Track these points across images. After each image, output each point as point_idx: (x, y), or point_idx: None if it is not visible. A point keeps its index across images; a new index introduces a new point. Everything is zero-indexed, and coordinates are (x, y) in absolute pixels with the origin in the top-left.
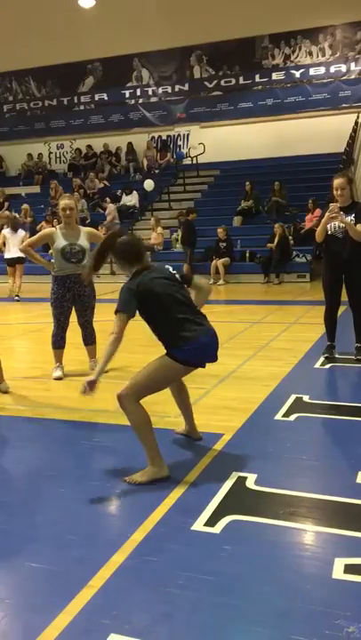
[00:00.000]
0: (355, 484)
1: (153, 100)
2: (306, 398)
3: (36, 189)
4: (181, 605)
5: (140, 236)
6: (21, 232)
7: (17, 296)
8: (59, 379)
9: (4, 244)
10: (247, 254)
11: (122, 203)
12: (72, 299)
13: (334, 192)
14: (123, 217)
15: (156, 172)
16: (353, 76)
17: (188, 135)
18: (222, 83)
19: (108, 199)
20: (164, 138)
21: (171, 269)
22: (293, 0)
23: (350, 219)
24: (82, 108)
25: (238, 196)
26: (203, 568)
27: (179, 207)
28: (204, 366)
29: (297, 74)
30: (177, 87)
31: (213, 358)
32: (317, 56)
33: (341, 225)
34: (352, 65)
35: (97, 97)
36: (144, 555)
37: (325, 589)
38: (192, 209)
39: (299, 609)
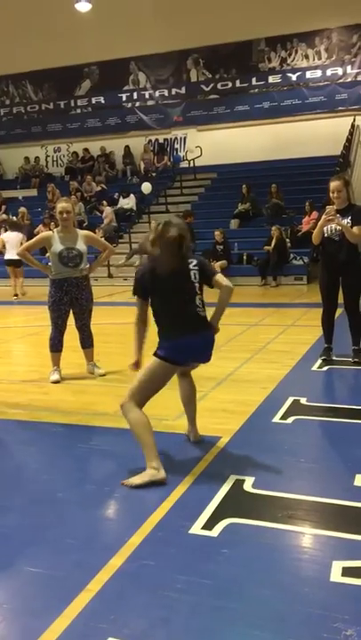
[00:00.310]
0: (352, 486)
1: (150, 103)
2: (303, 401)
3: (33, 193)
4: (179, 609)
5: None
6: (19, 234)
7: (15, 295)
8: (56, 382)
9: (4, 245)
10: (244, 257)
11: (119, 206)
12: (69, 302)
13: (331, 195)
14: (120, 220)
15: (154, 175)
16: (349, 79)
17: (185, 138)
18: (219, 86)
19: (105, 202)
20: (161, 141)
21: (193, 264)
22: (290, 3)
23: (347, 221)
24: (79, 111)
25: (235, 198)
26: (201, 571)
27: (176, 210)
28: (187, 365)
29: (293, 77)
30: (174, 90)
31: (201, 359)
32: (314, 59)
33: (338, 227)
34: (348, 68)
35: (94, 100)
36: (142, 558)
37: (323, 592)
38: (189, 212)
39: (297, 612)
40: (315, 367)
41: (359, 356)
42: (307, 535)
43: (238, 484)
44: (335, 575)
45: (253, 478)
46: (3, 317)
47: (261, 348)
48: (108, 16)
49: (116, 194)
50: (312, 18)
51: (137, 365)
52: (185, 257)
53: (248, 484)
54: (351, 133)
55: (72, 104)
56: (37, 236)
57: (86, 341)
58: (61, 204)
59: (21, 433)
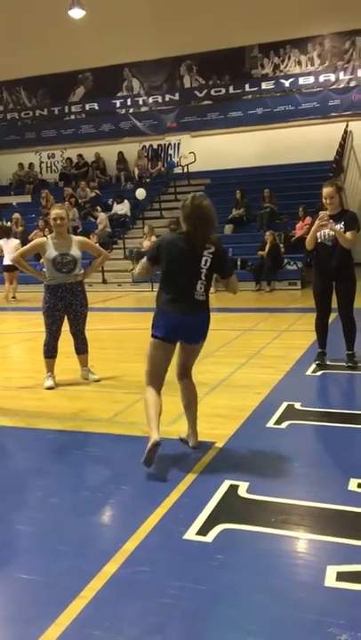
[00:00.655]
0: (347, 491)
1: (144, 109)
2: (298, 405)
3: (27, 199)
4: (174, 615)
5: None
6: (15, 240)
7: (13, 297)
8: (50, 388)
9: (1, 250)
10: (238, 262)
11: (113, 211)
12: (64, 308)
13: (324, 201)
14: (114, 226)
15: (148, 180)
16: (342, 85)
17: (178, 144)
18: (212, 92)
19: (99, 208)
20: (155, 147)
21: (209, 250)
22: (282, 10)
23: (340, 226)
24: (73, 117)
25: (229, 204)
26: (195, 577)
27: (170, 216)
28: (172, 342)
29: (286, 83)
30: (167, 97)
31: (187, 338)
32: (306, 65)
33: (331, 233)
34: (341, 74)
35: (88, 107)
36: (136, 565)
37: (318, 597)
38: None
39: (291, 617)
40: (309, 372)
41: (353, 361)
42: (301, 540)
43: (233, 490)
44: (330, 580)
45: (248, 483)
46: None
47: (256, 352)
48: (101, 23)
49: (111, 200)
50: (305, 24)
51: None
52: (205, 237)
53: (242, 489)
54: (344, 139)
55: (66, 110)
56: (31, 243)
57: (81, 347)
58: (55, 211)
59: (16, 439)
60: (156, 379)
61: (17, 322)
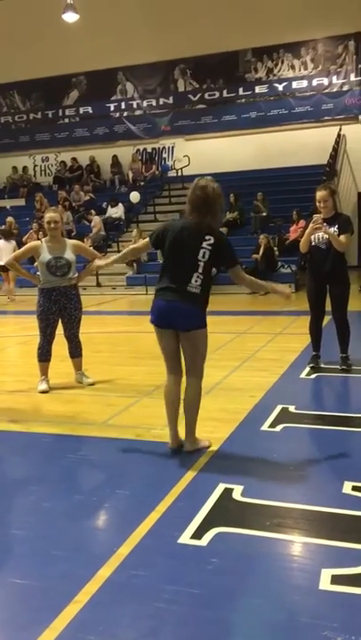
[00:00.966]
0: (341, 494)
1: (138, 113)
2: (292, 408)
3: (21, 202)
4: (168, 620)
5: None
6: (12, 242)
7: (8, 297)
8: (44, 392)
9: None
10: None
11: (107, 215)
12: (58, 311)
13: (317, 204)
14: (108, 229)
15: (142, 184)
16: (335, 89)
17: (172, 148)
18: (206, 96)
19: (93, 211)
20: (149, 150)
21: (208, 242)
22: (276, 15)
23: (334, 230)
24: (67, 121)
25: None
26: (189, 581)
27: (164, 219)
28: (162, 327)
29: (280, 87)
30: (161, 100)
31: (175, 324)
32: (300, 69)
33: (325, 236)
34: (334, 78)
35: (82, 110)
36: (130, 569)
37: (313, 600)
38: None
39: (286, 621)
40: (303, 375)
41: (347, 364)
42: (296, 543)
43: (227, 493)
44: (324, 583)
45: (242, 487)
46: None
47: (250, 356)
48: (95, 26)
49: (105, 203)
50: (298, 29)
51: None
52: (206, 225)
53: (237, 492)
54: (337, 143)
55: (60, 114)
56: (26, 246)
57: (75, 351)
58: (49, 214)
59: (9, 443)
60: (167, 363)
61: (11, 325)
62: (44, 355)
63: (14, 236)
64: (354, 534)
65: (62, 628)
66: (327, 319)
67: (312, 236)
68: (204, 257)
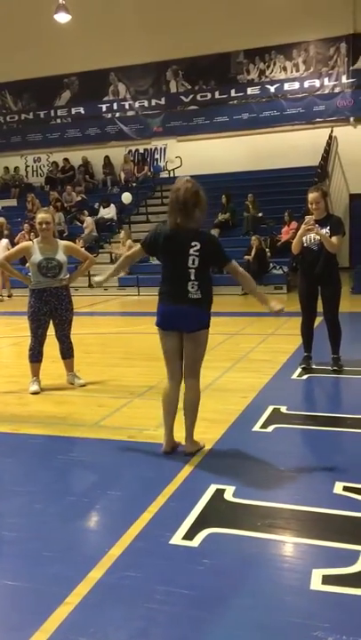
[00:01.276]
0: (332, 494)
1: (130, 113)
2: (283, 409)
3: (12, 203)
4: (159, 620)
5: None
6: (4, 240)
7: (9, 296)
8: (36, 393)
9: None
10: None
11: (99, 216)
12: (49, 312)
13: (309, 206)
14: (100, 230)
15: (134, 185)
16: (326, 91)
17: (165, 149)
18: (198, 97)
19: (86, 212)
20: (141, 151)
21: (195, 248)
22: (267, 16)
23: (325, 231)
24: (59, 121)
25: (215, 208)
26: (181, 582)
27: (156, 220)
28: (166, 329)
29: (272, 89)
30: (153, 101)
31: (181, 326)
32: (292, 71)
33: (317, 237)
34: (325, 80)
35: (74, 111)
36: (122, 570)
37: (304, 601)
38: None
39: (277, 621)
40: (295, 376)
41: (338, 365)
42: (287, 544)
43: (219, 494)
44: (315, 583)
45: (234, 487)
46: None
47: (242, 356)
48: (87, 27)
49: (97, 204)
50: (290, 30)
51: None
52: (188, 230)
53: (229, 493)
54: (329, 144)
55: (52, 114)
56: (17, 246)
57: (66, 352)
58: (41, 215)
59: (0, 444)
60: (168, 367)
61: (2, 326)
62: (36, 356)
63: (5, 236)
64: (345, 534)
65: (53, 630)
66: (319, 320)
67: (304, 238)
68: (193, 264)
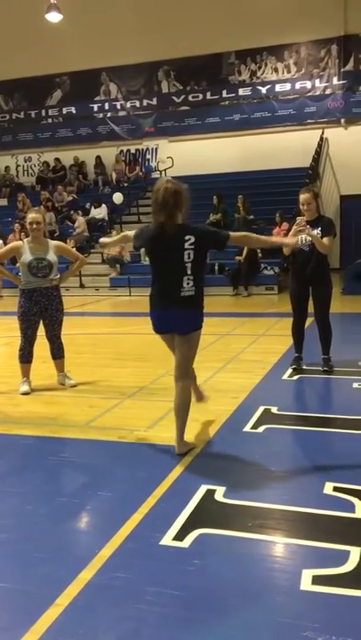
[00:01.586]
0: (322, 494)
1: (121, 114)
2: (274, 410)
3: (3, 202)
4: (150, 621)
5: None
6: None
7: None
8: (26, 393)
9: None
10: (216, 267)
11: (91, 216)
12: (39, 312)
13: (301, 207)
14: (92, 230)
15: (125, 185)
16: (318, 93)
17: (156, 149)
18: (190, 98)
19: (80, 212)
20: (132, 151)
21: (189, 242)
22: (259, 18)
23: (317, 232)
24: (50, 121)
25: (207, 209)
26: (171, 583)
27: (148, 220)
28: (163, 333)
29: (263, 90)
30: (145, 101)
31: (174, 329)
32: (283, 73)
33: (308, 238)
34: (317, 82)
35: (65, 110)
36: (112, 571)
37: (294, 601)
38: None
39: (267, 621)
40: (285, 376)
41: (328, 365)
42: (277, 544)
43: (209, 494)
44: (305, 584)
45: (224, 488)
46: None
47: (233, 357)
48: (79, 27)
49: (88, 204)
50: (281, 32)
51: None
52: (176, 227)
53: (219, 493)
54: (320, 146)
55: (43, 114)
56: (7, 246)
57: (57, 352)
58: (31, 215)
59: None
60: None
61: None
62: (26, 356)
63: None
64: (335, 535)
65: (43, 632)
66: (310, 321)
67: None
68: (189, 258)
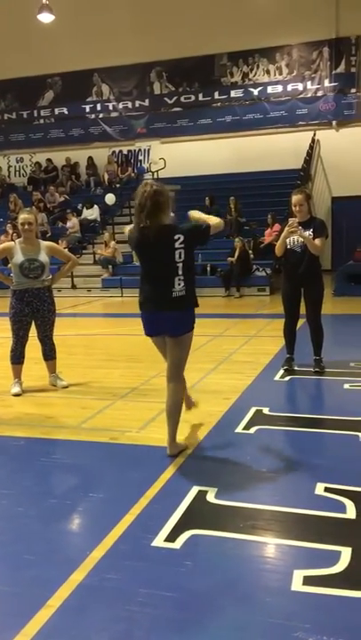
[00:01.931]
0: (314, 495)
1: (113, 114)
2: (266, 411)
3: None
4: (141, 622)
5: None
6: None
7: None
8: (17, 394)
9: None
10: (208, 268)
11: (83, 217)
12: (31, 313)
13: (293, 208)
14: (84, 231)
15: (117, 186)
16: (309, 95)
17: (148, 150)
18: (182, 99)
19: (74, 213)
20: (124, 152)
21: (179, 241)
22: (251, 19)
23: (309, 233)
24: (42, 121)
25: (199, 210)
26: (163, 584)
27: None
28: (153, 335)
29: (255, 92)
30: (137, 102)
31: (166, 331)
32: (275, 74)
33: (300, 239)
34: (308, 84)
35: (57, 111)
36: (103, 572)
37: (285, 602)
38: None
39: (258, 622)
40: (277, 377)
41: (320, 366)
42: (269, 545)
43: (201, 495)
44: (296, 584)
45: (216, 489)
46: None
47: (225, 358)
48: (71, 27)
49: (80, 205)
50: (273, 34)
51: None
52: (161, 228)
53: (211, 494)
54: (312, 147)
55: (35, 114)
56: None
57: (49, 353)
58: (23, 216)
59: None
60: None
61: None
62: (17, 357)
63: None
64: (326, 535)
65: (34, 634)
66: (301, 322)
67: (288, 240)
68: (180, 257)
